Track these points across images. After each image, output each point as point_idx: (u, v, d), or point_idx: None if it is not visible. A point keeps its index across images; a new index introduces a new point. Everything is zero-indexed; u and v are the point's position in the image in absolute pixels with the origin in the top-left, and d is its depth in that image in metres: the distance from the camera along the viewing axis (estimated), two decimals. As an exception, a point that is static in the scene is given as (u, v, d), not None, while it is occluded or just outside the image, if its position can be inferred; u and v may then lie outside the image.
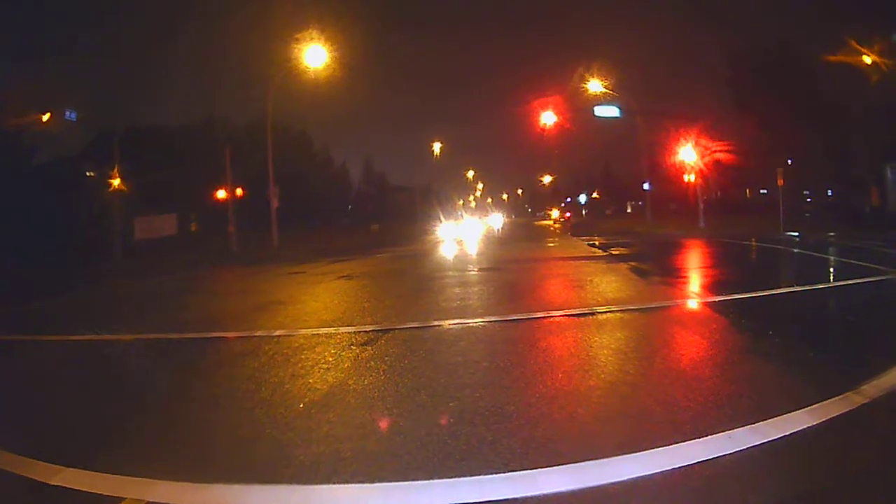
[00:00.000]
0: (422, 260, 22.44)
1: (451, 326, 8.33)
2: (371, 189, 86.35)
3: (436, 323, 8.60)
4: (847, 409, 4.37)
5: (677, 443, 3.82)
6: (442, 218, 44.70)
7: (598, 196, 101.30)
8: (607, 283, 12.00)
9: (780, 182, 28.86)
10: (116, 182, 32.25)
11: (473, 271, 16.25)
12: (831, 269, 14.22)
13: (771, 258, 18.35)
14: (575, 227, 49.17)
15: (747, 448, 3.71)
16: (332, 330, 8.36)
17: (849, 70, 31.78)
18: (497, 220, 76.42)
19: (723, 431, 3.95)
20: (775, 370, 5.54)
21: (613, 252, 20.75)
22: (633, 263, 16.03)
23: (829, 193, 45.01)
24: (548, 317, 8.58)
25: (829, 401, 4.48)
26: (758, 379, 5.29)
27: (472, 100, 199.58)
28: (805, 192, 44.36)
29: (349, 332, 8.08)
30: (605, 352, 6.40)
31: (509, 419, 4.49)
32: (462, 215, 60.10)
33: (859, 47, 27.42)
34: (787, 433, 3.93)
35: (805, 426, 4.05)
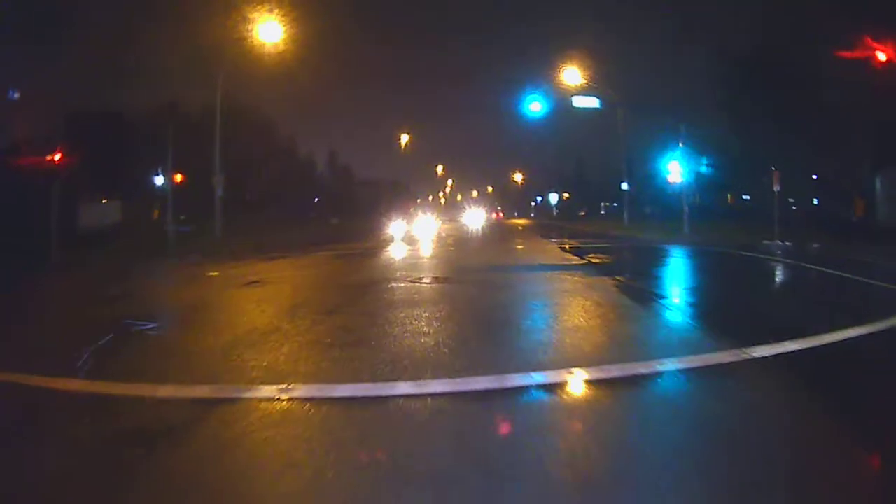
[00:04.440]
0: (363, 262, 19.05)
1: (344, 404, 4.89)
2: (336, 182, 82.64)
3: (324, 388, 5.17)
4: None
5: None
6: (396, 215, 40.49)
7: (568, 196, 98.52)
8: (593, 312, 8.69)
9: (776, 186, 26.24)
10: (56, 160, 28.65)
11: (419, 283, 12.68)
12: (867, 295, 11.03)
13: (786, 276, 15.36)
14: (544, 229, 46.28)
15: None
16: (125, 391, 4.98)
17: (841, 77, 30.02)
18: (476, 218, 69.75)
19: None
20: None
21: (592, 260, 17.61)
22: (619, 278, 12.85)
23: (815, 202, 42.59)
24: (504, 389, 5.08)
25: None
26: None
27: (442, 96, 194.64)
28: (790, 200, 41.85)
29: (154, 402, 4.79)
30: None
31: None
32: (420, 212, 54.73)
33: (874, 43, 24.55)
34: None
35: None
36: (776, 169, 26.51)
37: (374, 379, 5.37)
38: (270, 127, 57.79)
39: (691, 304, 10.21)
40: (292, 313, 8.95)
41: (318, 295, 11.60)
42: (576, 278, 13.00)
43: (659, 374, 5.51)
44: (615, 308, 9.17)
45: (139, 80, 41.51)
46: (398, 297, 10.73)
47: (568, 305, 9.37)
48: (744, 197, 48.05)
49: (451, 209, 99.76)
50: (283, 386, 5.09)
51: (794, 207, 41.38)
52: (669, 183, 35.77)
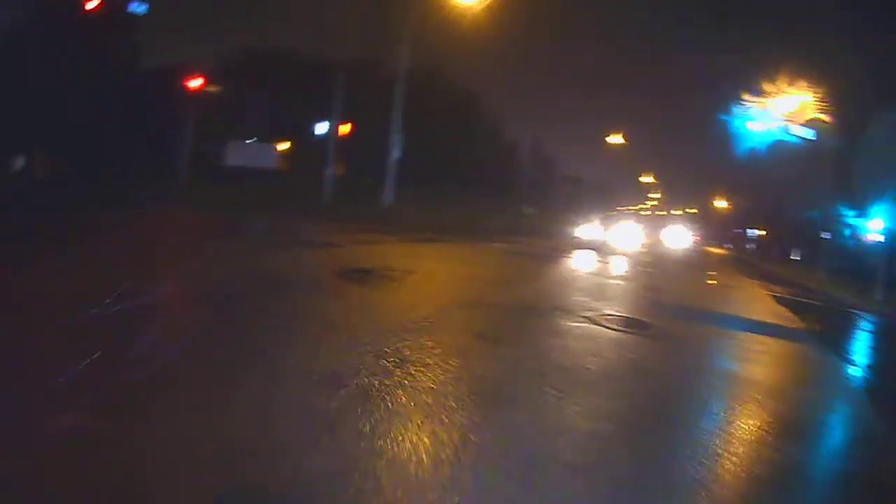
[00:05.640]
0: (536, 268, 16.40)
1: None
2: (537, 171, 79.42)
3: None
4: None
5: None
6: (594, 218, 35.99)
7: (765, 234, 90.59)
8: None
9: None
10: (196, 87, 28.10)
11: (600, 324, 8.85)
12: None
13: None
14: (742, 264, 42.53)
15: None
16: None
17: None
18: (679, 238, 63.36)
19: None
20: None
21: (814, 326, 13.40)
22: (857, 366, 9.35)
23: None
24: None
25: None
26: None
27: (666, 104, 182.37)
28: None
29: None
30: None
31: None
32: (621, 219, 48.76)
33: None
34: None
35: None
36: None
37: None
38: (474, 100, 55.67)
39: None
40: (327, 382, 4.63)
41: (430, 320, 7.47)
42: (810, 365, 9.36)
43: None
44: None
45: (341, 33, 40.43)
46: (557, 353, 6.85)
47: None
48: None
49: (653, 222, 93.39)
50: None
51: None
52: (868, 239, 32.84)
